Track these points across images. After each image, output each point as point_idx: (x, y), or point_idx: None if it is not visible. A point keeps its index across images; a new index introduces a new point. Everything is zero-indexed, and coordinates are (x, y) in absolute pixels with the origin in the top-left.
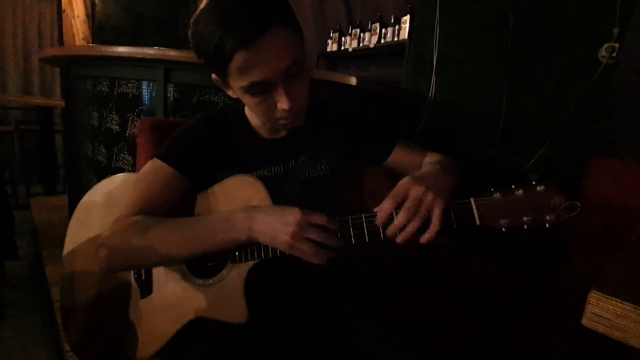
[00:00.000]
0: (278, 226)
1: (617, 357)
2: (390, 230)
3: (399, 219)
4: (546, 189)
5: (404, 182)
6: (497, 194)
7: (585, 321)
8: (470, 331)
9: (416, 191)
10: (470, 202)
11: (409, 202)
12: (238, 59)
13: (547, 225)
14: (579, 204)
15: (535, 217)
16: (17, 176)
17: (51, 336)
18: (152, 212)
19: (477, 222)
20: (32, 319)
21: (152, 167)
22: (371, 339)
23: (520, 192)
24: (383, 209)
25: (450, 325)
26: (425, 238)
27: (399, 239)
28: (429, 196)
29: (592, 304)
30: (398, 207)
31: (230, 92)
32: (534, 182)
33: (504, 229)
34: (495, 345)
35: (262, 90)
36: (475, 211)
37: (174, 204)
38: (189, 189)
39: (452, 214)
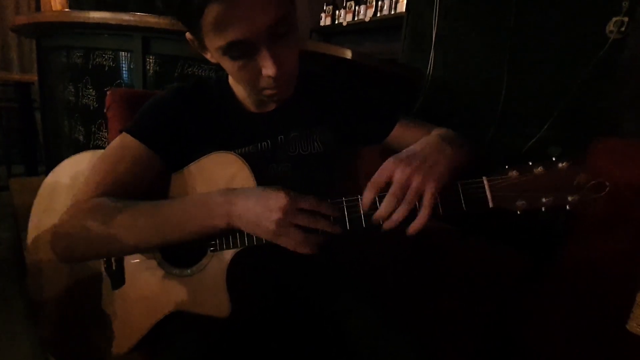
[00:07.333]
0: (261, 212)
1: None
2: (374, 219)
3: (382, 207)
4: (570, 165)
5: (387, 163)
6: (513, 171)
7: (632, 325)
8: (470, 325)
9: (401, 174)
10: (482, 182)
11: (393, 187)
12: (211, 12)
13: (567, 207)
14: (607, 183)
15: (556, 198)
16: None
17: (34, 323)
18: (118, 195)
19: (490, 204)
20: (15, 304)
21: (120, 142)
22: (368, 334)
23: (539, 169)
24: (365, 197)
25: (449, 319)
26: (412, 228)
27: (384, 228)
28: (417, 179)
29: None
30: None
31: (208, 56)
32: (554, 158)
33: (519, 212)
34: (496, 338)
35: (242, 52)
36: (488, 192)
37: (145, 186)
38: (162, 168)
39: (462, 195)
